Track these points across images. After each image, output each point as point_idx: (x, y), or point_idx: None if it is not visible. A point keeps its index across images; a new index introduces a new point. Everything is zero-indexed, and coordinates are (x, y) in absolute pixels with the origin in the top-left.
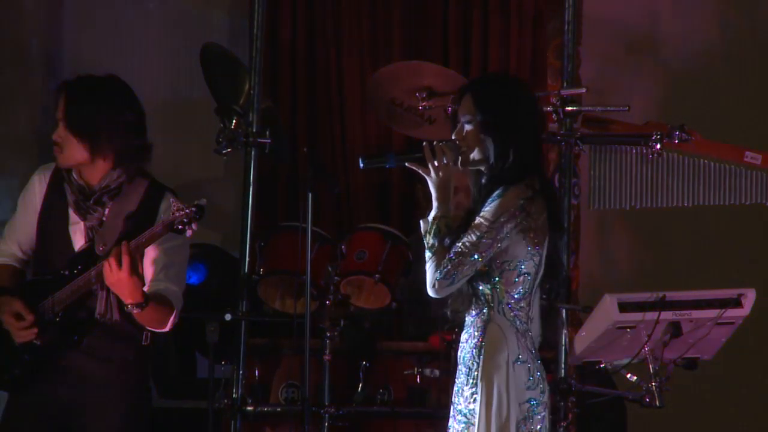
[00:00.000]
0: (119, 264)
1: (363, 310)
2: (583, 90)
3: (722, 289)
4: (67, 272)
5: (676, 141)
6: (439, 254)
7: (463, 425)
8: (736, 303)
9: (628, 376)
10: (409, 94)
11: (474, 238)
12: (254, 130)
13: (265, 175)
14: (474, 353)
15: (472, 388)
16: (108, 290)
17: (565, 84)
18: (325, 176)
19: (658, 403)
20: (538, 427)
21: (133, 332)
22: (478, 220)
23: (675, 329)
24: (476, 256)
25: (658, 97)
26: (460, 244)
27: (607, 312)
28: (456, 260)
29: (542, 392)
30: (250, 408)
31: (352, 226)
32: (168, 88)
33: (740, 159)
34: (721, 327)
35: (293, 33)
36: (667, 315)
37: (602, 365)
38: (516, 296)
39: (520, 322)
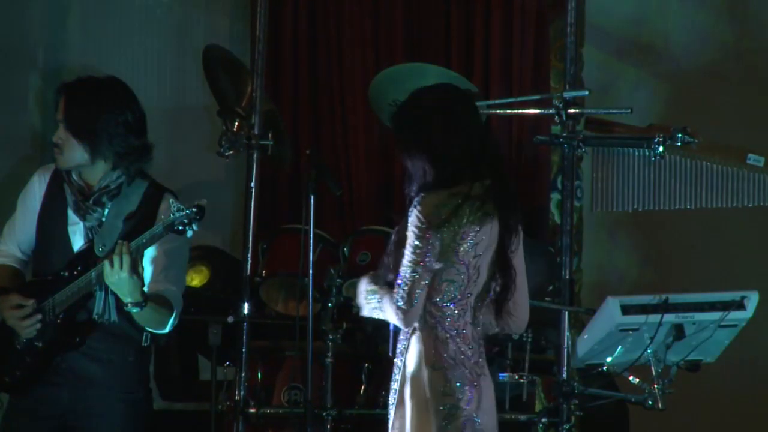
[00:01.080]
0: (119, 264)
1: None
2: (586, 92)
3: (725, 292)
4: (66, 273)
5: (679, 144)
6: (387, 290)
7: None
8: (739, 305)
9: (631, 378)
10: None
11: (409, 255)
12: (256, 133)
13: (268, 177)
14: (399, 358)
15: (393, 394)
16: (107, 291)
17: (567, 86)
18: (327, 178)
19: (660, 406)
20: None
21: (133, 334)
22: (407, 237)
23: (678, 332)
24: (419, 269)
25: (660, 100)
26: (402, 268)
27: (609, 314)
28: (406, 282)
29: (463, 401)
30: (252, 410)
31: (354, 229)
32: (170, 90)
33: (743, 161)
34: (724, 329)
35: (295, 35)
36: (670, 317)
37: (605, 368)
38: (439, 302)
39: (443, 329)
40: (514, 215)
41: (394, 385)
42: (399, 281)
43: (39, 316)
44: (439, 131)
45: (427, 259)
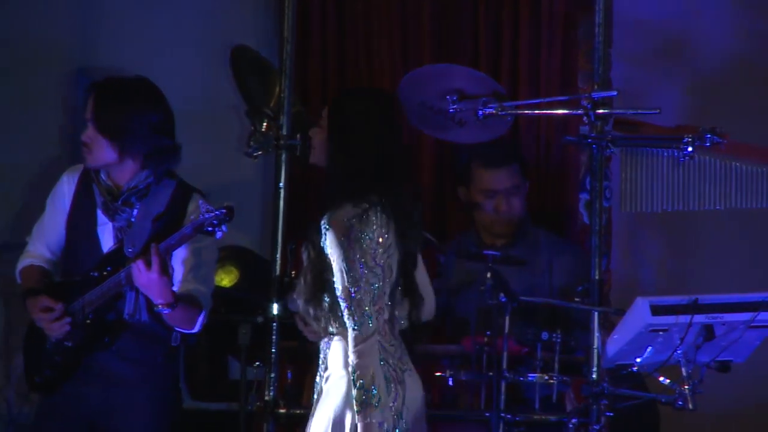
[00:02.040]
0: (148, 265)
1: None
2: (614, 93)
3: (755, 293)
4: (96, 273)
5: (708, 144)
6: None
7: None
8: None
9: (661, 379)
10: (439, 96)
11: (341, 280)
12: (285, 133)
13: (296, 177)
14: (321, 366)
15: (317, 397)
16: (137, 291)
17: (596, 87)
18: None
19: (691, 406)
20: None
21: (163, 333)
22: (333, 264)
23: (708, 332)
24: (358, 288)
25: (689, 100)
26: (338, 294)
27: (639, 315)
28: (353, 307)
29: (390, 398)
30: (282, 410)
31: None
32: (198, 90)
33: None
34: (754, 330)
35: (323, 36)
36: (700, 318)
37: (634, 368)
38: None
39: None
40: (410, 228)
41: (317, 388)
42: (344, 307)
43: (68, 319)
44: (356, 141)
45: (360, 273)
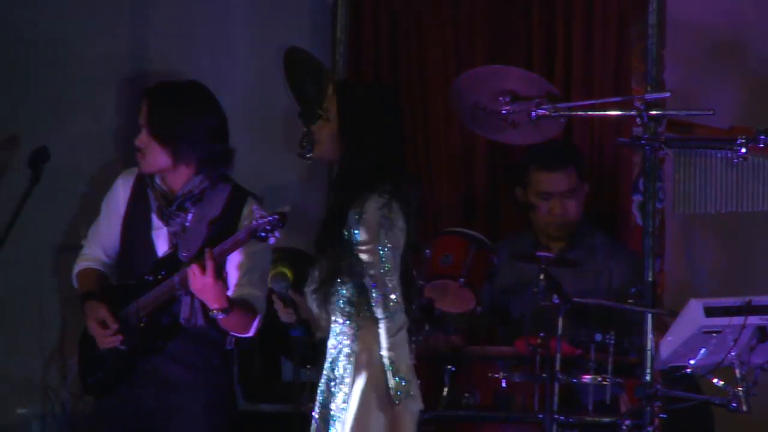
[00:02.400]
0: (203, 270)
1: (447, 314)
2: (668, 94)
3: None
4: (150, 277)
5: (761, 145)
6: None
7: None
8: None
9: (715, 380)
10: (492, 98)
11: (377, 270)
12: None
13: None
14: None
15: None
16: (193, 296)
17: (649, 88)
18: (408, 180)
19: (745, 408)
20: None
21: (217, 337)
22: (364, 253)
23: (761, 334)
24: (392, 277)
25: (743, 101)
26: (372, 284)
27: (693, 317)
28: (387, 297)
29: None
30: None
31: (436, 231)
32: (251, 93)
33: None
34: None
35: (376, 37)
36: (754, 320)
37: (688, 370)
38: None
39: None
40: (412, 217)
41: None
42: (374, 294)
43: (120, 338)
44: (373, 133)
45: (395, 261)
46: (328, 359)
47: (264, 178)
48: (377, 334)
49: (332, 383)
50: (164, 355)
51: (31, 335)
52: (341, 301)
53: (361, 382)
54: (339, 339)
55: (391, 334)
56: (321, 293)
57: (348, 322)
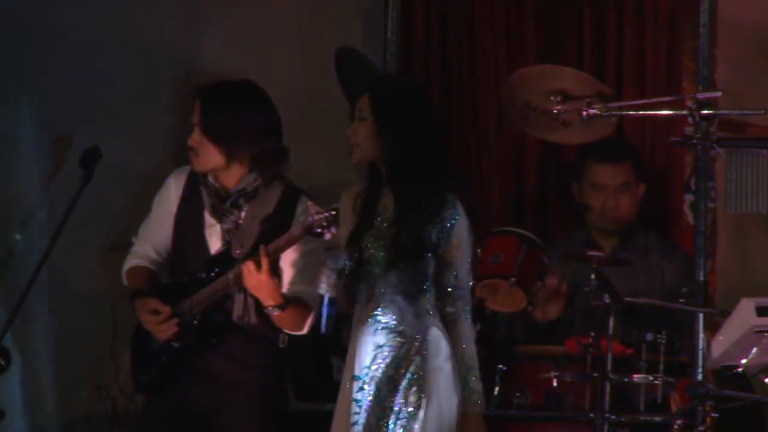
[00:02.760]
0: (258, 266)
1: (498, 313)
2: (719, 93)
3: None
4: (204, 275)
5: None
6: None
7: None
8: None
9: (767, 380)
10: (543, 97)
11: (465, 269)
12: None
13: None
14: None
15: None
16: (246, 293)
17: (700, 87)
18: (459, 180)
19: None
20: None
21: (270, 335)
22: (454, 256)
23: None
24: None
25: None
26: (459, 283)
27: (744, 316)
28: (467, 296)
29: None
30: None
31: (486, 230)
32: (304, 92)
33: None
34: None
35: (427, 37)
36: None
37: (740, 369)
38: None
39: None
40: None
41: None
42: (458, 294)
43: (176, 321)
44: (422, 132)
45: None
46: (387, 359)
47: (315, 177)
48: (440, 338)
49: (397, 383)
50: (217, 353)
51: (81, 334)
52: (425, 305)
53: (437, 387)
54: (401, 340)
55: (471, 333)
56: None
57: (426, 319)
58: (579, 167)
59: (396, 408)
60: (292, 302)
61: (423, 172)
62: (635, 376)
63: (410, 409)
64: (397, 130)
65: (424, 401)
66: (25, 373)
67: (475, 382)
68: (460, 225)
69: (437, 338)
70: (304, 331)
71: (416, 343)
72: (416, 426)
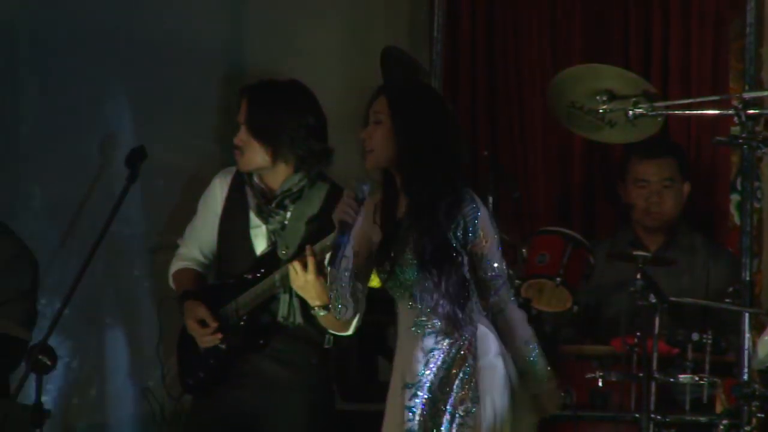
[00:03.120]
0: (305, 267)
1: (544, 313)
2: (766, 93)
3: None
4: (249, 276)
5: None
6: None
7: None
8: None
9: None
10: (589, 97)
11: (500, 257)
12: None
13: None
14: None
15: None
16: (291, 294)
17: (747, 86)
18: (505, 180)
19: None
20: None
21: (316, 336)
22: (489, 242)
23: None
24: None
25: None
26: (499, 273)
27: None
28: (508, 281)
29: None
30: None
31: (532, 230)
32: (349, 92)
33: None
34: None
35: (473, 36)
36: None
37: None
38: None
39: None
40: None
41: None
42: (501, 282)
43: (220, 336)
44: (440, 133)
45: None
46: (438, 362)
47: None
48: (488, 336)
49: (450, 385)
50: (263, 355)
51: (128, 336)
52: (468, 303)
53: (489, 386)
54: (449, 341)
55: (524, 315)
56: (446, 299)
57: (471, 317)
58: (623, 165)
59: (450, 410)
60: None
61: (437, 174)
62: (681, 375)
63: (463, 409)
64: (415, 132)
65: (476, 401)
66: (72, 373)
67: (542, 361)
68: (482, 217)
69: (485, 336)
70: (350, 331)
71: (465, 343)
72: (470, 426)
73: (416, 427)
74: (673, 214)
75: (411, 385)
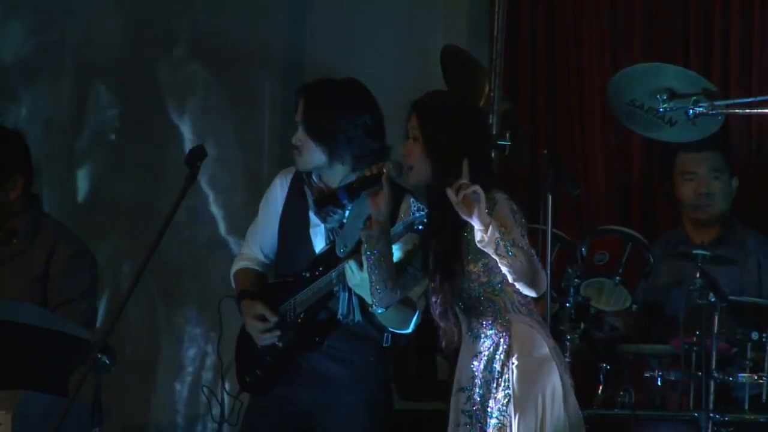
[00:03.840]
0: (361, 266)
1: (603, 312)
2: None
3: None
4: (308, 274)
5: None
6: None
7: None
8: None
9: None
10: (649, 95)
11: (523, 238)
12: (494, 132)
13: (505, 177)
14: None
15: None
16: (350, 291)
17: None
18: (564, 178)
19: None
20: None
21: (374, 334)
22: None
23: None
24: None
25: None
26: (522, 245)
27: None
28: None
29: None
30: None
31: (591, 229)
32: (408, 91)
33: None
34: None
35: (533, 35)
36: None
37: None
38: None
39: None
40: None
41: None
42: (526, 253)
43: (278, 332)
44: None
45: None
46: (482, 363)
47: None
48: (527, 332)
49: (491, 383)
50: (321, 352)
51: (187, 335)
52: (501, 301)
53: (535, 382)
54: (491, 337)
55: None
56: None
57: (505, 316)
58: (670, 162)
59: (489, 411)
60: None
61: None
62: (740, 374)
63: (498, 409)
64: (445, 149)
65: (513, 400)
66: (130, 372)
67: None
68: (498, 208)
69: (523, 333)
70: (409, 329)
71: (501, 340)
72: (507, 425)
73: (474, 430)
74: (722, 207)
75: (465, 389)
